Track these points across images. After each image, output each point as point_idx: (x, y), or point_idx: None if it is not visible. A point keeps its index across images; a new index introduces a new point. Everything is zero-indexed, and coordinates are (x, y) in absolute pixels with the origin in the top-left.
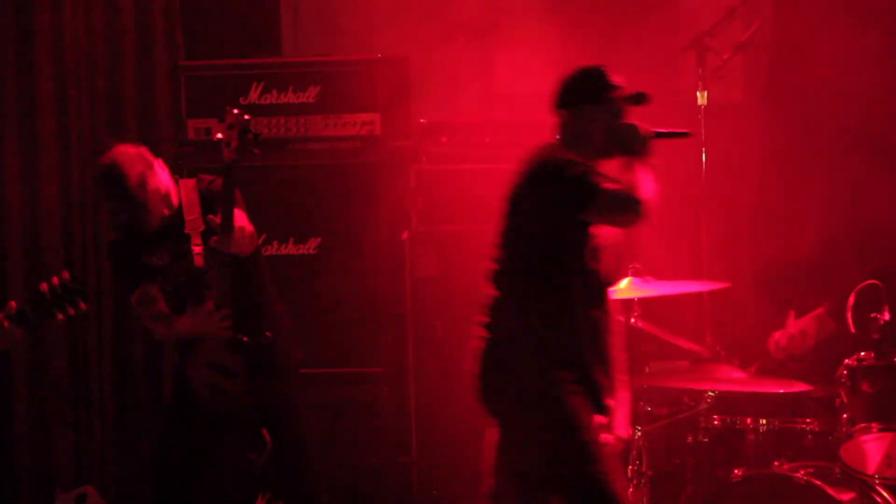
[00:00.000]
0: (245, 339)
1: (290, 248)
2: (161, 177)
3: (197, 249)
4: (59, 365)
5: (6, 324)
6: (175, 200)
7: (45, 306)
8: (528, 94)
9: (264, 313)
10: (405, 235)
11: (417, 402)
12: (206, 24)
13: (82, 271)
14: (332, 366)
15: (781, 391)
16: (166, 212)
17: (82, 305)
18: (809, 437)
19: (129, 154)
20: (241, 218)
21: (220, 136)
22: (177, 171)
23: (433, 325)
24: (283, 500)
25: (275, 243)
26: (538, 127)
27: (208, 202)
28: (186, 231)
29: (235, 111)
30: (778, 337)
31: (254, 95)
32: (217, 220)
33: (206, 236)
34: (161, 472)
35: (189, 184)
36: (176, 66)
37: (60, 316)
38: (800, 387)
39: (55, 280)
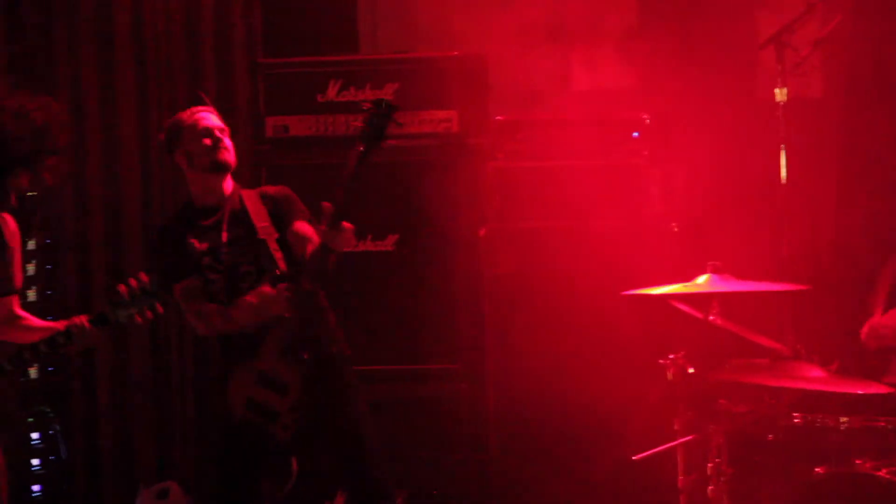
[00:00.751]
0: (305, 355)
1: (368, 245)
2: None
3: (278, 255)
4: (141, 363)
5: (87, 326)
6: (229, 188)
7: (124, 308)
8: (605, 91)
9: (322, 314)
10: (482, 232)
11: (495, 400)
12: (285, 22)
13: None
14: (408, 363)
15: (861, 392)
16: (226, 192)
17: (160, 309)
18: (892, 435)
19: None
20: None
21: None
22: (256, 169)
23: (510, 322)
24: (357, 499)
25: None
26: (614, 124)
27: (275, 212)
28: (260, 237)
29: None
30: (874, 324)
31: (331, 93)
32: (330, 209)
33: (281, 243)
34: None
35: (252, 194)
36: (255, 63)
37: (139, 318)
38: (880, 388)
39: (133, 282)
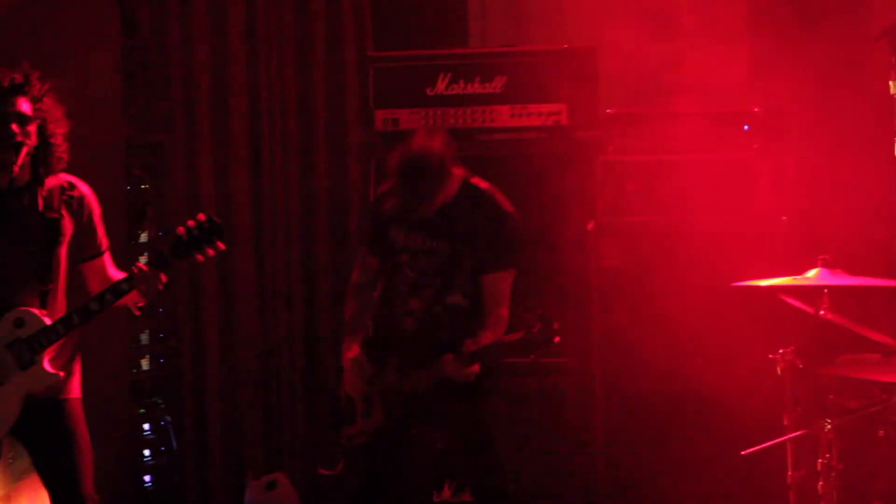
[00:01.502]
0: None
1: None
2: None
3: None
4: (249, 356)
5: (146, 269)
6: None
7: (183, 248)
8: (717, 85)
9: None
10: (591, 226)
11: (603, 393)
12: (395, 16)
13: (272, 265)
14: (517, 356)
15: None
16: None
17: (220, 245)
18: None
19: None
20: None
21: None
22: (365, 162)
23: (619, 316)
24: (470, 487)
25: None
26: (726, 118)
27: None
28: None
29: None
30: None
31: (441, 86)
32: None
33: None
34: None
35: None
36: (365, 57)
37: (199, 257)
38: None
39: (191, 223)
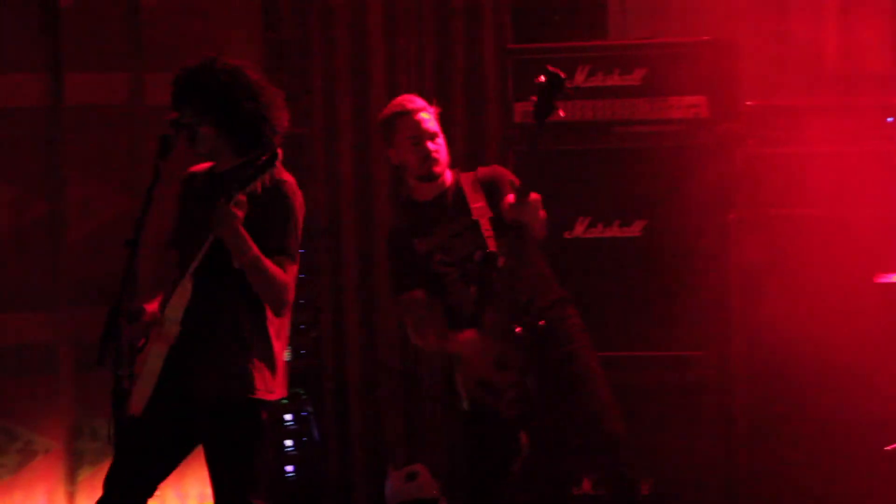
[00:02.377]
0: (518, 329)
1: (615, 231)
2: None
3: (488, 234)
4: (389, 345)
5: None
6: (449, 178)
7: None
8: (862, 75)
9: (545, 295)
10: (731, 218)
11: (742, 388)
12: (534, 8)
13: None
14: (654, 349)
15: None
16: (446, 183)
17: None
18: None
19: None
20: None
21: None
22: (504, 154)
23: (758, 310)
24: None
25: (599, 226)
26: (868, 109)
27: (489, 191)
28: (474, 217)
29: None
30: None
31: (579, 78)
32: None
33: (495, 222)
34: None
35: (469, 176)
36: (504, 49)
37: None
38: None
39: None
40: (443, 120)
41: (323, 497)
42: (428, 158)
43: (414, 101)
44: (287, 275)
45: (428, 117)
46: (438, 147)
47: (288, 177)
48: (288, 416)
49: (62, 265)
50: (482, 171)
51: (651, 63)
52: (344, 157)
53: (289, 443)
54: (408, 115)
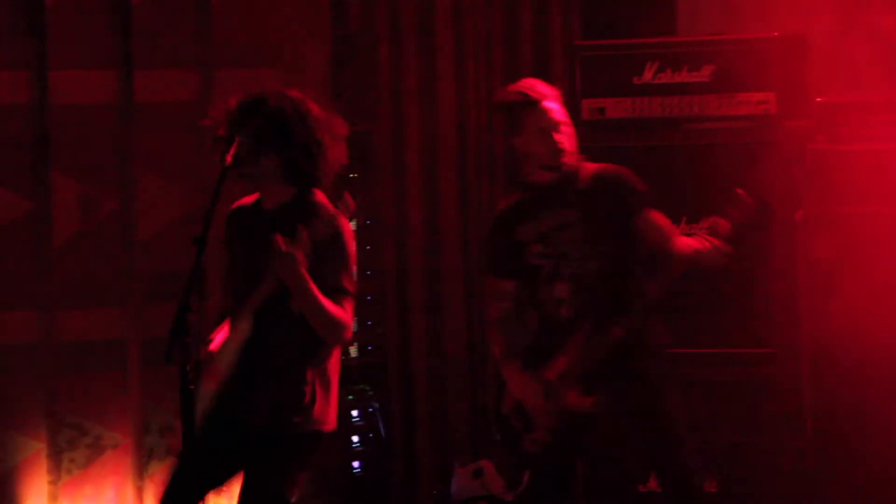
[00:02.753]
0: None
1: (683, 228)
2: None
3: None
4: (456, 348)
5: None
6: (570, 160)
7: None
8: None
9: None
10: (799, 216)
11: (811, 385)
12: (602, 4)
13: (478, 256)
14: (722, 346)
15: None
16: (564, 164)
17: None
18: None
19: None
20: None
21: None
22: None
23: (827, 307)
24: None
25: None
26: None
27: (607, 191)
28: (580, 213)
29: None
30: None
31: (648, 75)
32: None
33: (600, 224)
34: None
35: (592, 169)
36: (572, 45)
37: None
38: None
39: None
40: None
41: (389, 493)
42: (557, 150)
43: (540, 90)
44: (346, 312)
45: (555, 106)
46: (565, 136)
47: (335, 210)
48: (354, 413)
49: (132, 262)
50: (608, 168)
51: (720, 59)
52: (411, 153)
53: (355, 439)
54: (536, 105)
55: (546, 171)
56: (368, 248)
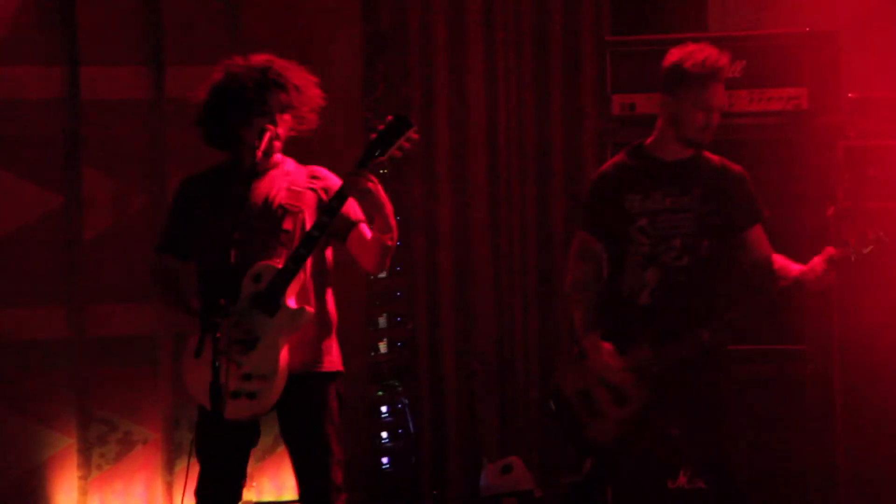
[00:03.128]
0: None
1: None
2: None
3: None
4: (486, 344)
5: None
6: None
7: (378, 145)
8: None
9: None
10: (830, 211)
11: (842, 382)
12: (633, 0)
13: (507, 252)
14: (755, 342)
15: None
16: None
17: (413, 135)
18: None
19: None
20: None
21: None
22: (602, 146)
23: (859, 304)
24: (703, 477)
25: None
26: None
27: (724, 188)
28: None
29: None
30: None
31: None
32: None
33: (707, 221)
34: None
35: (717, 160)
36: (602, 40)
37: (397, 152)
38: None
39: (380, 125)
40: (541, 109)
41: (418, 489)
42: (708, 129)
43: (721, 65)
44: None
45: (723, 88)
46: (714, 122)
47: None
48: (384, 409)
49: None
50: (734, 168)
51: (751, 55)
52: (440, 149)
53: (384, 435)
54: (714, 81)
55: (684, 144)
56: (399, 244)
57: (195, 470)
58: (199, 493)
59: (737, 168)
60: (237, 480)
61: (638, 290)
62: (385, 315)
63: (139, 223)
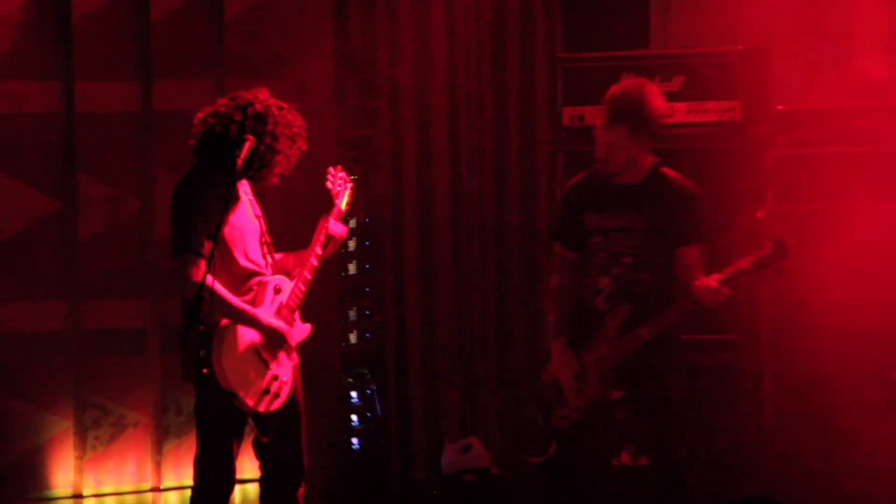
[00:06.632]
0: (617, 394)
1: None
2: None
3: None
4: (448, 336)
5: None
6: (645, 168)
7: None
8: (879, 81)
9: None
10: (760, 214)
11: (771, 369)
12: (583, 18)
13: (468, 250)
14: (689, 332)
15: None
16: (642, 173)
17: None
18: None
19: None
20: None
21: None
22: (553, 154)
23: (788, 297)
24: (647, 454)
25: None
26: (891, 112)
27: (671, 201)
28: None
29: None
30: None
31: None
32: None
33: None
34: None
35: (672, 177)
36: (554, 57)
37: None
38: None
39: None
40: (498, 119)
41: (385, 467)
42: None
43: (633, 100)
44: None
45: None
46: (620, 145)
47: None
48: (354, 394)
49: (152, 257)
50: (685, 187)
51: (689, 70)
52: (407, 156)
53: (354, 418)
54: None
55: (601, 162)
56: (368, 243)
57: (183, 449)
58: (212, 472)
59: (690, 186)
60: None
61: (594, 296)
62: (355, 309)
63: (130, 225)
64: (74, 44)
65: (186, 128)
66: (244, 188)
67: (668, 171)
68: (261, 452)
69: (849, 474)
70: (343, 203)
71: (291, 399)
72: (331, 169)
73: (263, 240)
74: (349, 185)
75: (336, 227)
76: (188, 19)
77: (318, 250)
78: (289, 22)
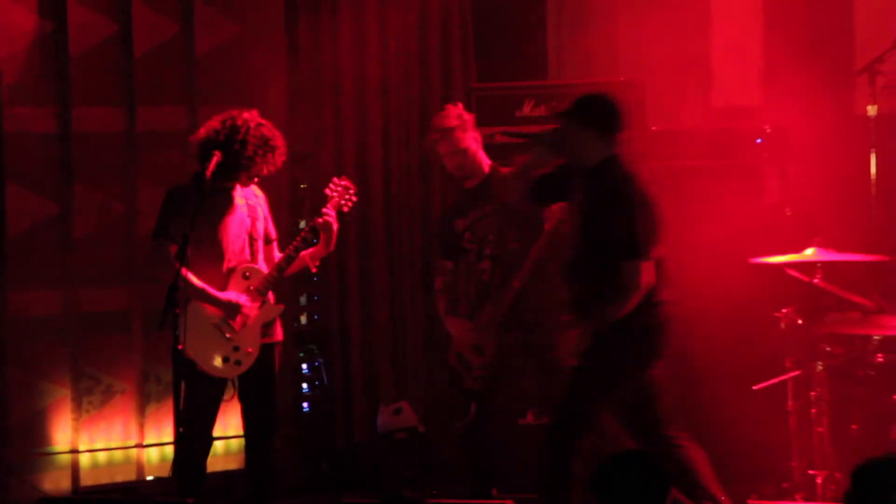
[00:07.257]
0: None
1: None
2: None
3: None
4: (382, 314)
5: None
6: (486, 170)
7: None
8: (737, 108)
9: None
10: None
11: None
12: (493, 54)
13: (399, 247)
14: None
15: None
16: (482, 174)
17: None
18: None
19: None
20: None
21: None
22: None
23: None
24: (547, 414)
25: None
26: (742, 133)
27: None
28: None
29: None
30: None
31: (526, 109)
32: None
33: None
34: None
35: (502, 171)
36: (469, 86)
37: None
38: None
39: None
40: (424, 137)
41: (331, 427)
42: (457, 168)
43: (451, 120)
44: None
45: (460, 135)
46: (467, 159)
47: None
48: (304, 366)
49: (135, 252)
50: (506, 171)
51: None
52: (347, 169)
53: (304, 386)
54: (447, 134)
55: (465, 179)
56: (316, 241)
57: (163, 412)
58: (186, 432)
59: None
60: (212, 423)
61: (481, 276)
62: (305, 294)
63: (117, 225)
64: (71, 76)
65: (163, 146)
66: (240, 194)
67: (503, 168)
68: (243, 413)
69: (705, 424)
70: (333, 207)
71: (261, 367)
72: (335, 178)
73: (252, 238)
74: (348, 189)
75: (324, 225)
76: (165, 55)
77: (294, 245)
78: (249, 57)
